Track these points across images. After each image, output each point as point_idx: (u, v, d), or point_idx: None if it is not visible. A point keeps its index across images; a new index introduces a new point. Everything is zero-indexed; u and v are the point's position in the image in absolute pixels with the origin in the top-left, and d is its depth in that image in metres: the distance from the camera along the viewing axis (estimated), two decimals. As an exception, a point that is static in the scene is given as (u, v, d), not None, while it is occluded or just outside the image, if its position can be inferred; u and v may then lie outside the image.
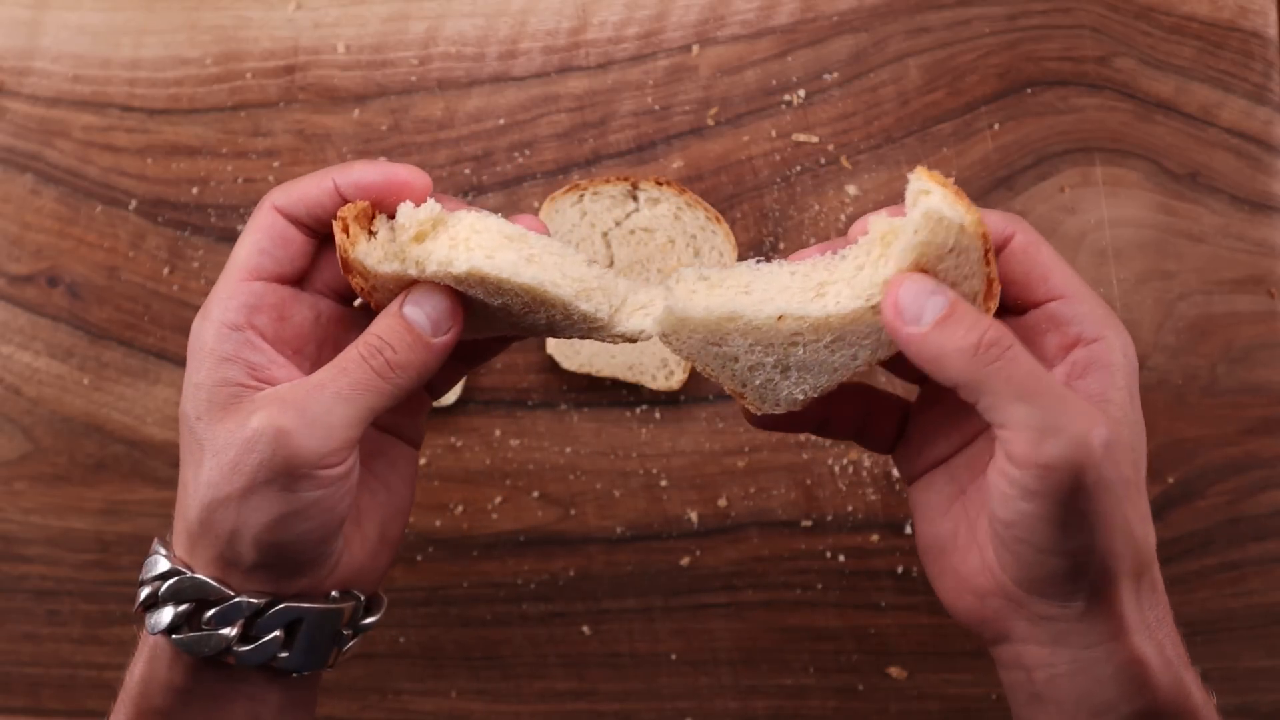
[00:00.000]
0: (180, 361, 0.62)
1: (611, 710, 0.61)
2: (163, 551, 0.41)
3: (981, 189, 0.59)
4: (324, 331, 0.43)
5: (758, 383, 0.41)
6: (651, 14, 0.61)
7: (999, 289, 0.39)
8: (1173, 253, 0.59)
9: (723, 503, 0.60)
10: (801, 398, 0.41)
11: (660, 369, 0.59)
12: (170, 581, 0.40)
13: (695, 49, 0.61)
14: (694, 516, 0.60)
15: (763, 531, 0.60)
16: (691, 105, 0.61)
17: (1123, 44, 0.60)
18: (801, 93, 0.60)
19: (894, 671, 0.60)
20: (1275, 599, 0.59)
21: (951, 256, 0.37)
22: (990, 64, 0.60)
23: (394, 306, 0.41)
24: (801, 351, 0.39)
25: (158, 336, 0.62)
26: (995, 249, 0.40)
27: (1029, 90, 0.60)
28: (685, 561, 0.61)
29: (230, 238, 0.62)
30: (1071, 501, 0.37)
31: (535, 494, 0.61)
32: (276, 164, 0.62)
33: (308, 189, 0.42)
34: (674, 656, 0.61)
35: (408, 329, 0.40)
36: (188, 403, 0.40)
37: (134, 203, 0.63)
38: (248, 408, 0.39)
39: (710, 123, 0.61)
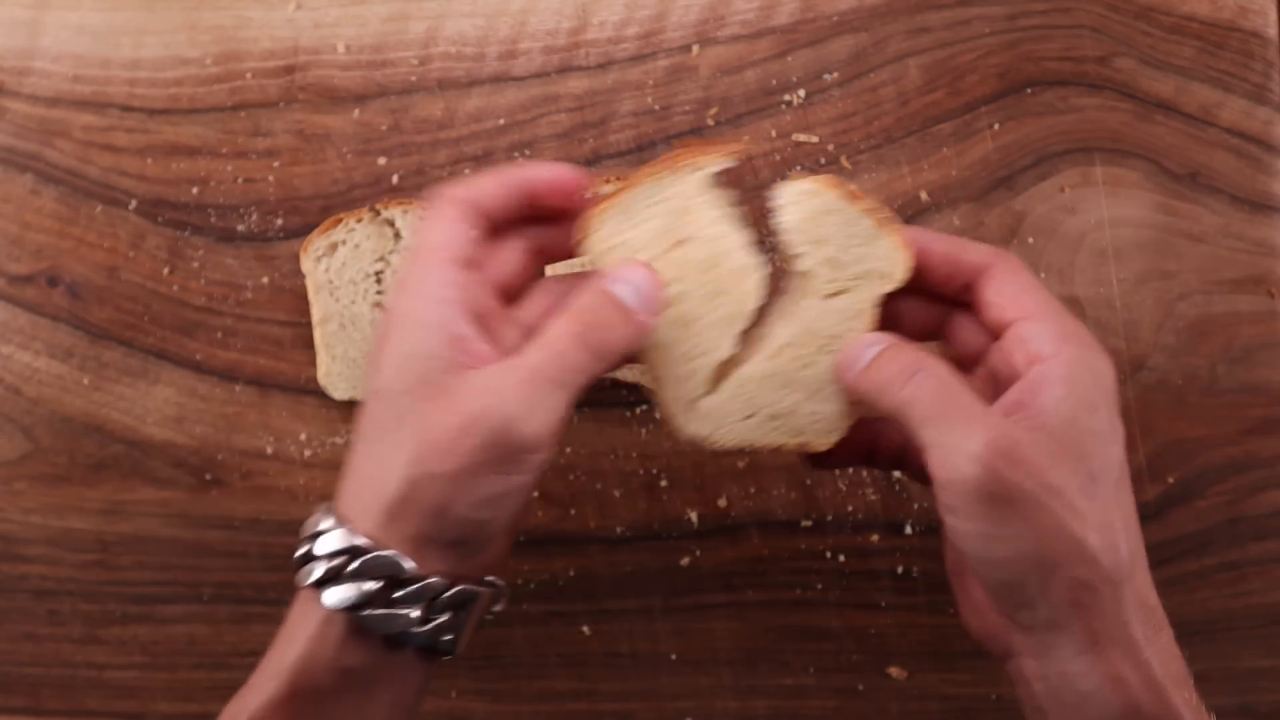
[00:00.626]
0: (180, 361, 0.62)
1: (611, 710, 0.61)
2: (344, 527, 0.40)
3: (981, 189, 0.59)
4: (491, 323, 0.43)
5: (807, 420, 0.44)
6: (651, 14, 0.61)
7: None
8: (1173, 253, 0.59)
9: (723, 503, 0.60)
10: (844, 409, 0.44)
11: (660, 369, 0.59)
12: (364, 558, 0.39)
13: (695, 49, 0.61)
14: (694, 516, 0.60)
15: (763, 531, 0.60)
16: (691, 105, 0.61)
17: (1123, 44, 0.60)
18: (801, 93, 0.60)
19: (894, 671, 0.60)
20: (1275, 599, 0.59)
21: (831, 218, 0.43)
22: (990, 64, 0.60)
23: (596, 284, 0.40)
24: (809, 371, 0.43)
25: (158, 336, 0.62)
26: (977, 277, 0.44)
27: (1029, 90, 0.60)
28: (685, 561, 0.61)
29: (230, 238, 0.62)
30: (987, 513, 0.37)
31: (535, 494, 0.61)
32: (276, 164, 0.62)
33: (484, 185, 0.42)
34: (674, 656, 0.61)
35: (618, 306, 0.40)
36: (388, 376, 0.40)
37: (134, 203, 0.63)
38: (461, 387, 0.39)
39: (710, 123, 0.61)
